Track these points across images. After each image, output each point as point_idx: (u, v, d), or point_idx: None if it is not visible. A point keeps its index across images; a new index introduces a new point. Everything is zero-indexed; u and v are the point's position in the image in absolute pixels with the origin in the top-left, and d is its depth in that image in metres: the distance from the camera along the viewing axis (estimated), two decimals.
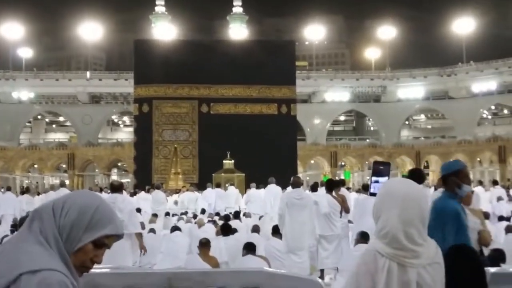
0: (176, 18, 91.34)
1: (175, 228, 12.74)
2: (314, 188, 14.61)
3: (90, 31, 75.07)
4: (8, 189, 23.64)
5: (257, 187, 22.70)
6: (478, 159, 58.98)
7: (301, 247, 11.29)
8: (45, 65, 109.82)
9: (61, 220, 2.23)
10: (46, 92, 67.96)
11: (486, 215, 12.11)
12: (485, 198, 19.19)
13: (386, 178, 3.48)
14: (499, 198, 19.57)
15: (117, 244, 8.69)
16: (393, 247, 2.84)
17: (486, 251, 6.15)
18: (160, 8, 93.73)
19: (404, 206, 2.85)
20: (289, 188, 14.15)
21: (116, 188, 10.88)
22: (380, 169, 3.50)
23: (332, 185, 12.46)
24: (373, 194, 3.38)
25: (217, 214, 18.33)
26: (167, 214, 18.55)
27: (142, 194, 24.13)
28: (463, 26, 70.46)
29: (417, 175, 10.50)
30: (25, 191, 24.11)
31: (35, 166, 60.50)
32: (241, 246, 9.36)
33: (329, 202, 11.87)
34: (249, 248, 9.06)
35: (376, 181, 3.45)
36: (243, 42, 55.22)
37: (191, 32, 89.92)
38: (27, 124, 71.13)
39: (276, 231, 11.63)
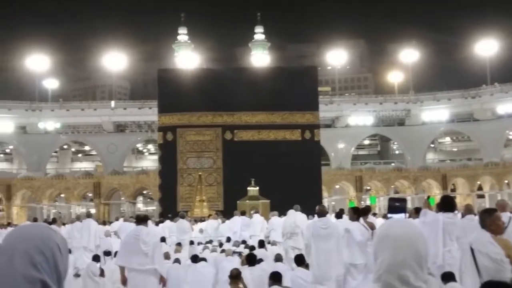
0: (198, 47, 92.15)
1: (200, 258, 12.68)
2: (339, 215, 14.49)
3: (114, 61, 76.00)
4: (35, 220, 23.82)
5: (280, 215, 22.54)
6: (506, 181, 58.06)
7: (328, 277, 11.17)
8: (70, 95, 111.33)
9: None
10: (71, 122, 68.76)
11: None
12: None
13: (403, 214, 3.40)
14: None
15: (142, 280, 8.62)
16: None
17: None
18: (182, 37, 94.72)
19: (398, 248, 2.74)
20: (315, 217, 14.03)
21: (141, 219, 10.89)
22: (396, 206, 3.42)
23: (361, 212, 12.31)
24: None
25: (243, 242, 18.22)
26: (192, 242, 18.51)
27: (168, 222, 24.14)
28: (486, 47, 69.96)
29: (448, 203, 10.40)
30: (51, 222, 24.25)
31: (62, 195, 60.98)
32: (267, 276, 9.27)
33: (359, 229, 11.74)
34: (275, 279, 8.96)
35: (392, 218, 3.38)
36: (265, 69, 55.49)
37: (213, 60, 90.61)
38: (54, 154, 71.88)
39: (301, 261, 11.50)
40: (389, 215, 3.43)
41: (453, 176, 58.92)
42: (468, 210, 11.84)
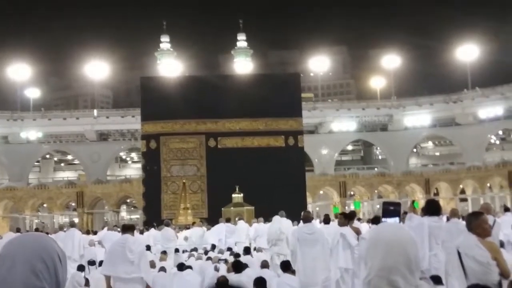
0: (181, 54, 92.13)
1: (185, 266, 12.61)
2: (327, 220, 14.49)
3: (96, 69, 75.65)
4: (18, 230, 23.57)
5: (265, 222, 22.50)
6: (488, 184, 58.54)
7: (314, 282, 11.16)
8: (52, 104, 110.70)
9: None
10: (54, 132, 68.29)
11: (501, 244, 11.94)
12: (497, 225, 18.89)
13: (397, 218, 3.38)
14: None
15: None
16: None
17: (504, 284, 6.02)
18: (165, 45, 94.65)
19: (387, 252, 2.74)
20: (300, 223, 14.04)
21: (127, 228, 10.83)
22: (390, 210, 3.41)
23: (350, 217, 12.34)
24: None
25: (229, 249, 18.16)
26: (177, 250, 18.42)
27: (152, 231, 24.02)
28: (467, 52, 70.61)
29: (433, 207, 10.44)
30: (34, 231, 24.01)
31: (45, 205, 60.46)
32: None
33: (352, 234, 11.76)
34: (259, 285, 8.92)
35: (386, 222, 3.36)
36: (248, 76, 55.56)
37: (196, 68, 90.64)
38: (36, 163, 71.31)
39: (287, 267, 11.48)
40: (383, 219, 3.41)
41: (436, 180, 59.30)
42: (453, 214, 11.90)
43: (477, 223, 6.46)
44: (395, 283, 2.71)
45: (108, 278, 10.49)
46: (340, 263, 11.84)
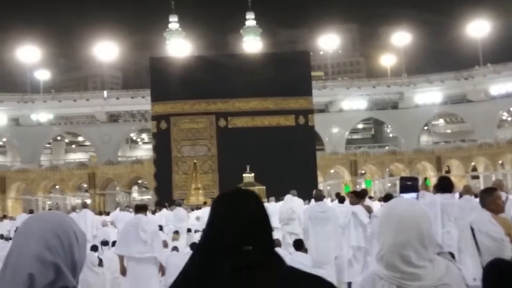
0: (190, 34, 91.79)
1: None
2: (342, 199, 14.45)
3: (106, 50, 75.57)
4: (31, 212, 23.77)
5: (277, 200, 22.51)
6: (500, 161, 58.27)
7: (327, 260, 11.18)
8: (62, 86, 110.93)
9: None
10: (64, 113, 68.48)
11: None
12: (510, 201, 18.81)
13: (415, 193, 3.36)
14: None
15: (142, 269, 8.60)
16: (390, 270, 2.74)
17: None
18: (173, 25, 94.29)
19: (400, 227, 2.74)
20: (312, 202, 14.03)
21: (140, 208, 10.88)
22: (408, 185, 3.38)
23: (362, 195, 12.30)
24: None
25: None
26: (189, 230, 18.50)
27: (164, 211, 24.12)
28: (478, 28, 69.90)
29: (445, 184, 10.38)
30: None
31: (57, 187, 60.85)
32: None
33: (364, 212, 11.74)
34: None
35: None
36: (257, 55, 55.30)
37: (205, 48, 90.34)
38: (47, 145, 71.67)
39: (299, 246, 11.50)
40: (400, 194, 3.40)
41: (447, 157, 59.07)
42: (466, 191, 11.84)
43: (490, 199, 6.44)
44: (407, 257, 2.71)
45: (121, 258, 10.57)
46: (352, 242, 11.85)
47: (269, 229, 2.28)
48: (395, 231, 2.74)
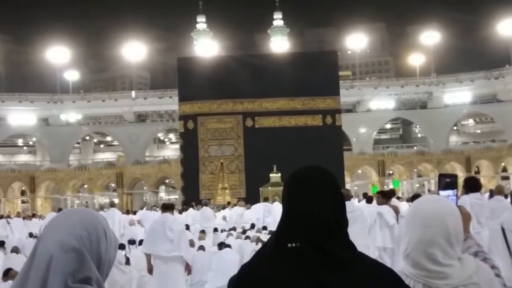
0: (217, 34, 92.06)
1: (224, 245, 12.66)
2: (370, 199, 14.33)
3: (134, 51, 76.17)
4: (59, 210, 23.94)
5: None
6: None
7: None
8: (91, 86, 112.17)
9: None
10: (93, 113, 69.23)
11: None
12: None
13: (455, 190, 3.29)
14: None
15: (169, 268, 8.61)
16: (416, 268, 2.69)
17: None
18: (201, 25, 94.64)
19: (426, 225, 2.68)
20: None
21: (167, 208, 10.90)
22: (447, 182, 3.31)
23: (389, 195, 12.18)
24: None
25: (264, 228, 18.18)
26: (216, 230, 18.51)
27: (191, 210, 24.19)
28: (509, 27, 68.90)
29: (472, 184, 10.21)
30: None
31: (85, 186, 61.50)
32: None
33: (391, 213, 11.63)
34: None
35: (445, 195, 3.26)
36: (285, 54, 55.20)
37: (232, 48, 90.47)
38: (76, 145, 72.49)
39: None
40: (440, 192, 3.34)
41: (477, 158, 58.30)
42: (498, 191, 11.64)
43: None
44: (433, 256, 2.65)
45: (148, 257, 10.60)
46: (377, 242, 11.73)
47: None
48: (421, 229, 2.69)
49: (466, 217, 3.13)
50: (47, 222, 2.27)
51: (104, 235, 2.20)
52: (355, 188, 56.98)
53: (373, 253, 11.73)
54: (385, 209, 11.68)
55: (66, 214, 2.25)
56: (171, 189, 69.48)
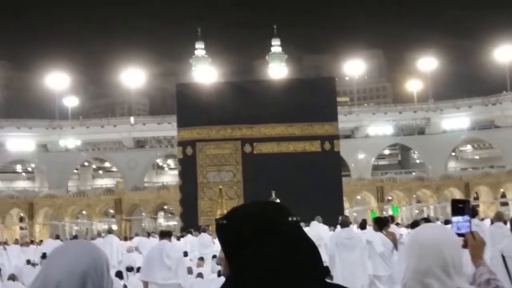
0: (215, 61, 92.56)
1: None
2: (363, 225, 14.32)
3: (133, 77, 76.49)
4: (57, 237, 23.89)
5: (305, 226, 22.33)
6: None
7: (353, 287, 11.00)
8: (90, 112, 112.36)
9: None
10: (92, 139, 69.25)
11: None
12: None
13: (467, 216, 3.28)
14: None
15: None
16: None
17: None
18: (199, 51, 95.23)
19: (422, 254, 2.68)
20: (338, 228, 13.90)
21: (165, 234, 10.87)
22: (460, 207, 3.31)
23: (383, 223, 12.15)
24: (457, 234, 3.20)
25: None
26: (214, 257, 18.39)
27: (189, 237, 24.07)
28: (506, 53, 69.36)
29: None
30: (73, 238, 24.30)
31: (84, 212, 61.27)
32: None
33: (382, 240, 11.59)
34: None
35: (458, 221, 3.26)
36: (283, 81, 55.43)
37: (231, 74, 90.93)
38: (75, 171, 72.35)
39: (325, 273, 11.35)
40: (453, 218, 3.34)
41: (475, 184, 58.26)
42: (498, 218, 11.61)
43: None
44: (429, 286, 2.64)
45: (146, 284, 10.53)
46: (368, 270, 11.68)
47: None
48: (417, 258, 2.69)
49: (479, 244, 3.10)
50: (52, 251, 2.29)
51: (107, 268, 2.24)
52: (354, 214, 56.80)
53: (363, 280, 11.70)
54: (375, 236, 11.67)
55: (72, 244, 2.30)
56: (169, 215, 69.21)
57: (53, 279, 2.09)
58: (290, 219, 2.11)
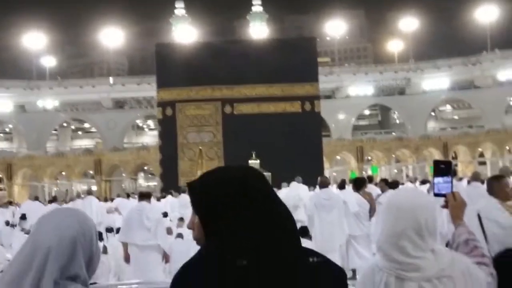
0: (196, 20, 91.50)
1: None
2: (342, 186, 14.41)
3: (112, 37, 75.49)
4: (36, 198, 23.77)
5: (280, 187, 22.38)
6: (507, 147, 58.02)
7: (332, 248, 11.11)
8: (68, 72, 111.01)
9: None
10: (70, 100, 68.57)
11: None
12: None
13: (449, 177, 3.28)
14: None
15: (146, 256, 8.55)
16: (388, 260, 2.71)
17: None
18: (179, 11, 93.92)
19: (397, 217, 2.72)
20: (317, 189, 13.97)
21: (144, 196, 10.83)
22: (442, 168, 3.30)
23: (359, 184, 12.23)
24: (438, 195, 3.20)
25: None
26: None
27: (169, 198, 24.09)
28: (487, 13, 69.39)
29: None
30: (52, 200, 24.21)
31: (63, 173, 61.02)
32: None
33: (358, 201, 11.67)
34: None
35: (439, 182, 3.25)
36: (264, 41, 55.00)
37: (211, 34, 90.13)
38: (53, 132, 71.79)
39: (304, 233, 11.41)
40: (435, 178, 3.33)
41: (454, 144, 58.82)
42: (475, 177, 11.71)
43: (499, 186, 6.34)
44: (403, 249, 2.68)
45: (125, 245, 10.53)
46: (345, 230, 11.81)
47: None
48: (393, 221, 2.72)
49: (459, 204, 3.13)
50: (40, 218, 2.30)
51: (95, 234, 2.29)
52: (334, 174, 57.24)
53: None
54: (350, 196, 11.77)
55: (60, 211, 2.33)
56: (150, 176, 69.20)
57: (43, 245, 2.11)
58: (264, 184, 2.10)
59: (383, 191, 12.49)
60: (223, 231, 1.96)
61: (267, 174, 30.88)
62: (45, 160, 59.14)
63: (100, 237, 14.31)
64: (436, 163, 3.34)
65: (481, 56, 66.61)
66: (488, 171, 50.21)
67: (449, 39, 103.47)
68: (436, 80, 67.27)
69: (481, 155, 60.05)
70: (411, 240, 2.67)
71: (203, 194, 2.06)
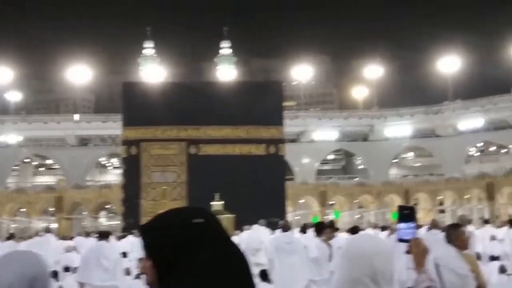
0: (164, 61, 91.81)
1: None
2: (303, 230, 14.46)
3: (79, 74, 75.15)
4: None
5: (242, 230, 22.28)
6: (467, 196, 58.92)
7: None
8: (33, 108, 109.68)
9: None
10: (34, 136, 67.68)
11: (478, 256, 11.95)
12: (476, 237, 18.92)
13: (413, 223, 3.34)
14: (492, 238, 19.27)
15: None
16: None
17: None
18: (148, 50, 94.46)
19: (353, 264, 2.74)
20: (277, 232, 13.98)
21: (103, 235, 10.71)
22: (406, 214, 3.36)
23: (320, 228, 12.29)
24: (402, 240, 3.25)
25: None
26: None
27: (130, 237, 23.77)
28: (449, 64, 71.22)
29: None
30: (9, 237, 23.70)
31: (23, 210, 59.77)
32: None
33: (318, 246, 11.71)
34: None
35: (403, 227, 3.31)
36: (231, 83, 55.48)
37: (179, 74, 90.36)
38: (15, 167, 70.56)
39: (265, 276, 11.40)
40: (399, 224, 3.37)
41: (415, 191, 59.55)
42: (434, 225, 11.88)
43: (456, 235, 6.45)
44: None
45: (82, 286, 10.35)
46: (305, 274, 11.81)
47: None
48: (349, 267, 2.74)
49: (422, 251, 3.13)
50: (0, 257, 2.44)
51: (49, 277, 2.45)
52: (297, 217, 57.22)
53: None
54: (310, 241, 11.82)
55: (19, 252, 2.54)
56: (111, 214, 68.23)
57: (5, 281, 2.26)
58: (218, 227, 2.08)
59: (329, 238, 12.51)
60: (177, 276, 1.87)
61: (231, 216, 30.80)
62: (5, 195, 57.97)
63: (56, 276, 14.05)
64: (400, 208, 3.40)
65: (442, 105, 68.11)
66: (447, 219, 50.83)
67: (412, 88, 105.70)
68: (399, 128, 68.41)
69: (441, 203, 60.83)
70: (367, 287, 2.68)
71: (156, 237, 1.99)
